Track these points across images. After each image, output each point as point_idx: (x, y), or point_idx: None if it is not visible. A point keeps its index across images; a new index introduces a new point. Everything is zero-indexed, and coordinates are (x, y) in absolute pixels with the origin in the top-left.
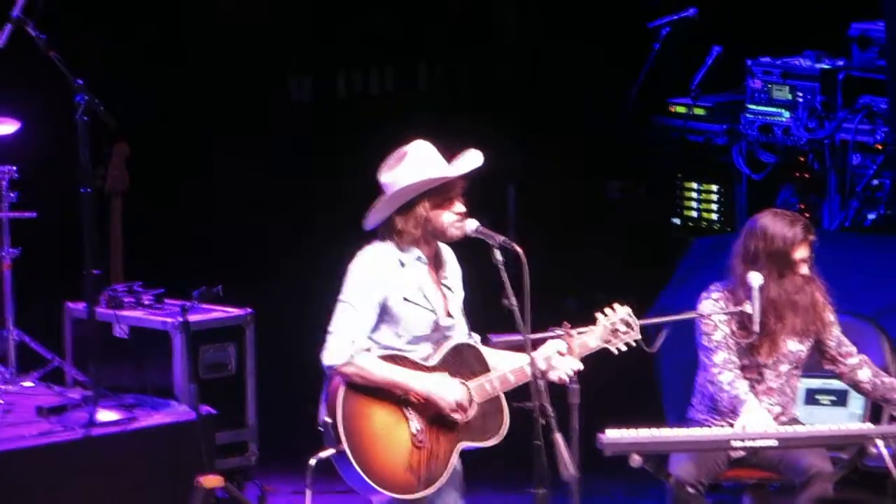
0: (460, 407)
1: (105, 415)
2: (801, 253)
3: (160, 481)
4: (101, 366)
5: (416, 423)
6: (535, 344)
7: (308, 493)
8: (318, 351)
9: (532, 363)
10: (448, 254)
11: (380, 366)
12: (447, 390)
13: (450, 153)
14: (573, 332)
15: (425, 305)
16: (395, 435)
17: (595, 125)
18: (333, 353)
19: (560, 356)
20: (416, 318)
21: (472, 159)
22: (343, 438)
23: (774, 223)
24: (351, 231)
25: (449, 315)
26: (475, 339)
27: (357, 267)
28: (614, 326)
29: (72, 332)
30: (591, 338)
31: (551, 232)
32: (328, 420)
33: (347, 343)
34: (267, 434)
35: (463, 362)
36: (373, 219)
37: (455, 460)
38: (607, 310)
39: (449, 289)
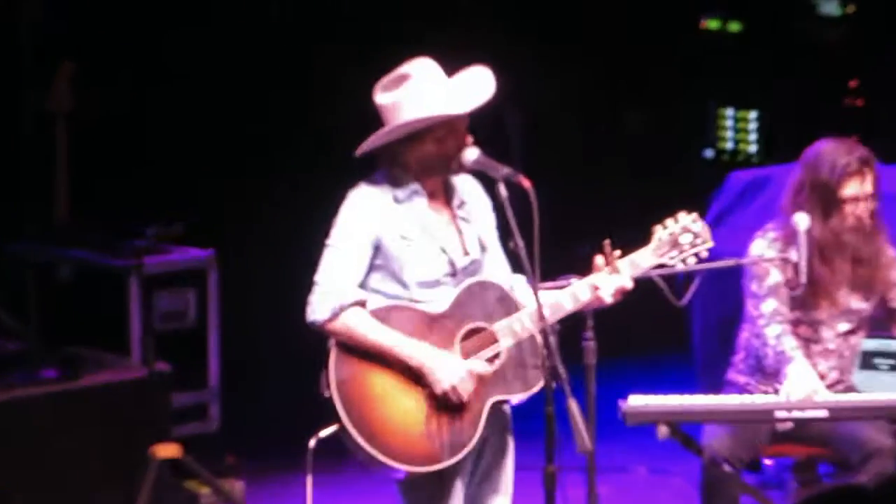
0: (455, 391)
1: (44, 371)
2: (852, 189)
3: (108, 449)
4: (41, 313)
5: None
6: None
7: (309, 479)
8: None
9: (541, 314)
10: (466, 183)
11: (371, 326)
12: (444, 369)
13: (452, 68)
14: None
15: (428, 243)
16: (405, 398)
17: (616, 42)
18: (316, 307)
19: (607, 277)
20: (419, 260)
21: (481, 89)
22: (340, 410)
23: (828, 150)
24: (337, 162)
25: (466, 253)
26: (514, 280)
27: (344, 206)
28: (675, 238)
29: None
30: (641, 255)
31: (564, 165)
32: (325, 393)
33: (332, 294)
34: (231, 397)
35: (479, 304)
36: (367, 146)
37: (484, 418)
38: (668, 220)
39: (466, 222)
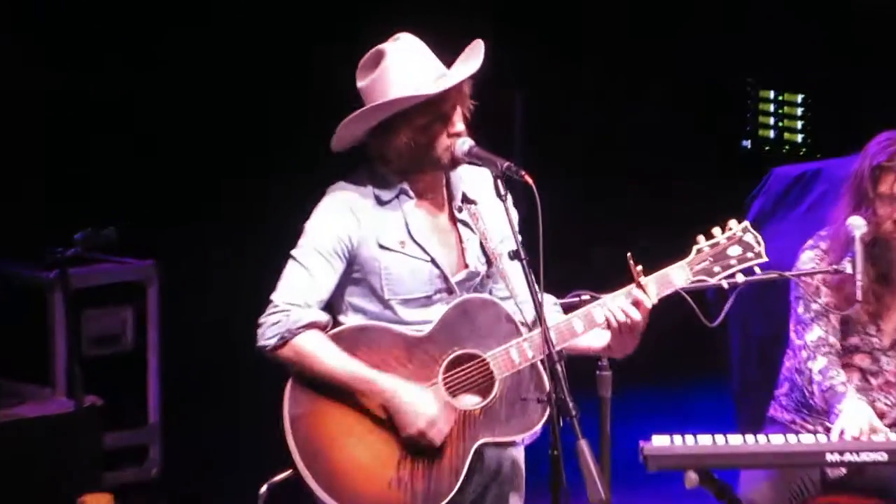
0: (425, 436)
1: None
2: (887, 185)
3: (28, 498)
4: None
5: None
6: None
7: None
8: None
9: (547, 338)
10: (477, 180)
11: (326, 353)
12: (410, 409)
13: (448, 46)
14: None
15: (414, 253)
16: (372, 438)
17: (634, 12)
18: (265, 330)
19: (622, 296)
20: (401, 273)
21: (466, 64)
22: (294, 452)
23: (881, 140)
24: (307, 154)
25: (465, 266)
26: (547, 304)
27: (316, 209)
28: (721, 250)
29: None
30: (674, 270)
31: (572, 156)
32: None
33: (285, 314)
34: (174, 436)
35: (472, 326)
36: (339, 139)
37: (468, 464)
38: (714, 230)
39: (468, 227)
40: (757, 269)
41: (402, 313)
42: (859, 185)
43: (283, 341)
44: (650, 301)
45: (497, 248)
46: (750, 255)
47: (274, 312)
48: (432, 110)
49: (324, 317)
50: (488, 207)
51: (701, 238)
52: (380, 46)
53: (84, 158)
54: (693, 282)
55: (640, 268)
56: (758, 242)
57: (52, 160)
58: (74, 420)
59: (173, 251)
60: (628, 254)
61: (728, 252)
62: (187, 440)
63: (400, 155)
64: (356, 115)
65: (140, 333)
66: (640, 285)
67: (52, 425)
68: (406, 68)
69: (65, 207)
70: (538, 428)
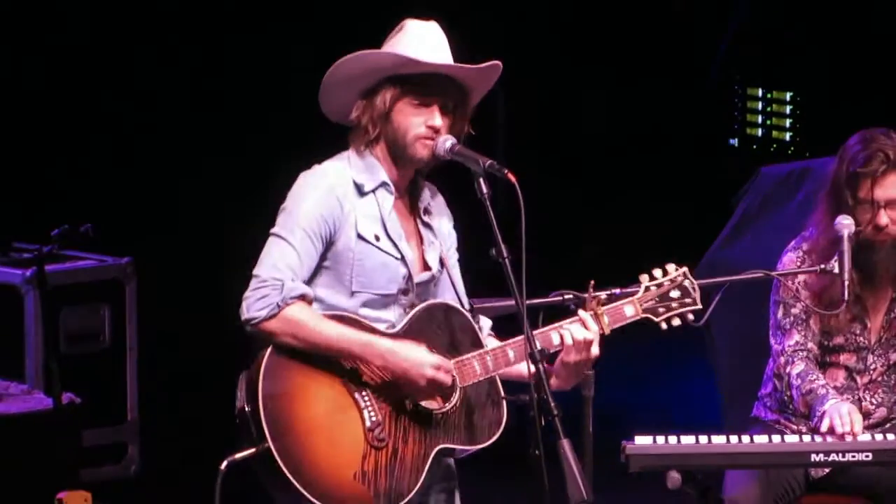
0: (438, 369)
1: None
2: (866, 190)
3: (5, 498)
4: None
5: (372, 413)
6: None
7: None
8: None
9: (528, 337)
10: (431, 188)
11: (321, 321)
12: (419, 355)
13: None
14: (601, 294)
15: (388, 250)
16: (342, 428)
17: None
18: (252, 302)
19: (580, 327)
20: (374, 266)
21: (476, 67)
22: (266, 431)
23: (855, 143)
24: (288, 150)
25: (426, 268)
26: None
27: (295, 188)
28: (664, 291)
29: None
30: (628, 306)
31: (557, 154)
32: (246, 408)
33: (273, 286)
34: (153, 433)
35: (439, 331)
36: (328, 93)
37: (427, 467)
38: (656, 271)
39: (430, 230)
40: (690, 316)
41: (363, 309)
42: (837, 191)
43: (276, 312)
44: (593, 332)
45: (445, 260)
46: (688, 300)
47: (261, 287)
48: (417, 89)
49: (311, 292)
50: (439, 221)
51: (644, 277)
52: (406, 19)
53: (60, 155)
54: (639, 319)
55: (603, 295)
56: (693, 290)
57: (25, 158)
58: (53, 417)
59: (151, 248)
60: (591, 281)
61: (670, 294)
62: (166, 437)
63: (374, 123)
64: (344, 62)
65: (118, 331)
66: (596, 315)
67: (31, 423)
68: (417, 40)
69: (39, 204)
70: (485, 444)
